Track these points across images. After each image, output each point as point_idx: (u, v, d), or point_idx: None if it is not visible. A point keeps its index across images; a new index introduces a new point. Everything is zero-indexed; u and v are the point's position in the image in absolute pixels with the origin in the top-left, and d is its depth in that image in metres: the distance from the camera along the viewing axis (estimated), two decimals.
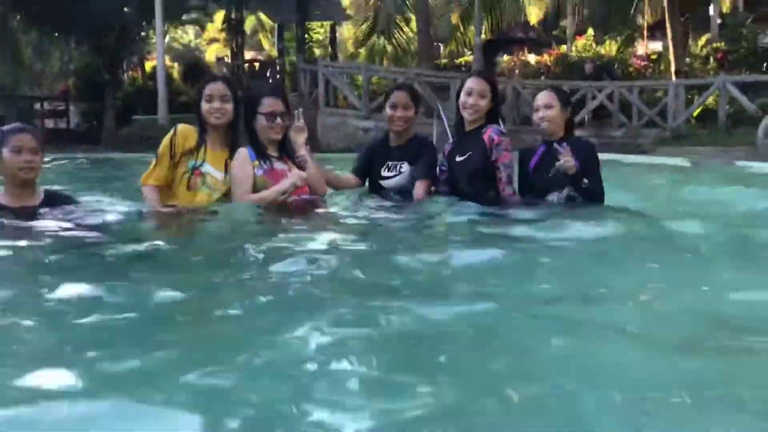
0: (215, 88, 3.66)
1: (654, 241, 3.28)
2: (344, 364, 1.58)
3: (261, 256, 2.75)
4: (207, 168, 3.65)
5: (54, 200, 3.49)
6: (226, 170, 3.68)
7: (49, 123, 22.78)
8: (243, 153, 3.66)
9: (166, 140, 3.70)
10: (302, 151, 3.77)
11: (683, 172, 8.99)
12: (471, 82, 3.84)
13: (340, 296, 2.18)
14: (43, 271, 2.61)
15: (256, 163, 3.65)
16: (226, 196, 3.69)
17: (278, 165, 3.70)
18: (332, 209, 3.81)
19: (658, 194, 6.26)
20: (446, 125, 12.96)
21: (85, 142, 18.39)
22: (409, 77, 15.95)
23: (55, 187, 3.88)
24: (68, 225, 3.29)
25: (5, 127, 3.38)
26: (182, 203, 3.67)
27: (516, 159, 3.89)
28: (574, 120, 3.98)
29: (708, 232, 3.32)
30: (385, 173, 4.01)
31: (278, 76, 21.76)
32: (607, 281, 2.41)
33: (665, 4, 18.24)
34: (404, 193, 3.96)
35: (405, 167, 3.96)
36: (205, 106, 3.64)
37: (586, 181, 3.63)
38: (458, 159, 3.87)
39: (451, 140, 4.19)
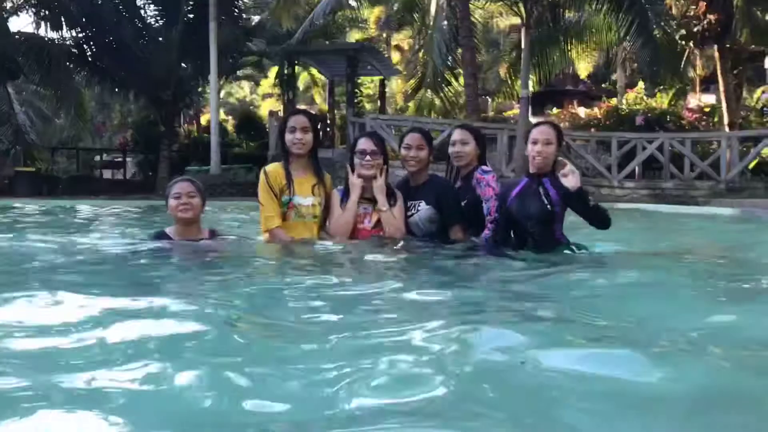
0: (297, 119, 3.99)
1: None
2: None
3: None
4: (297, 200, 3.96)
5: (214, 236, 4.05)
6: (312, 193, 3.99)
7: (107, 173, 23.61)
8: (336, 194, 4.06)
9: (263, 185, 3.96)
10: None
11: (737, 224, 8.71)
12: (456, 134, 4.13)
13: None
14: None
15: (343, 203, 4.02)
16: (316, 218, 4.02)
17: (362, 207, 4.01)
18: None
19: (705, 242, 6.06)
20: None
21: (139, 192, 18.98)
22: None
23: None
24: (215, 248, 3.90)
25: (172, 181, 4.04)
26: None
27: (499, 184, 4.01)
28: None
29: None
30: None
31: (328, 129, 22.13)
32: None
33: (716, 57, 18.05)
34: (429, 231, 4.03)
35: (422, 206, 4.02)
36: (288, 136, 3.97)
37: (591, 199, 3.65)
38: (464, 204, 4.04)
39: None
